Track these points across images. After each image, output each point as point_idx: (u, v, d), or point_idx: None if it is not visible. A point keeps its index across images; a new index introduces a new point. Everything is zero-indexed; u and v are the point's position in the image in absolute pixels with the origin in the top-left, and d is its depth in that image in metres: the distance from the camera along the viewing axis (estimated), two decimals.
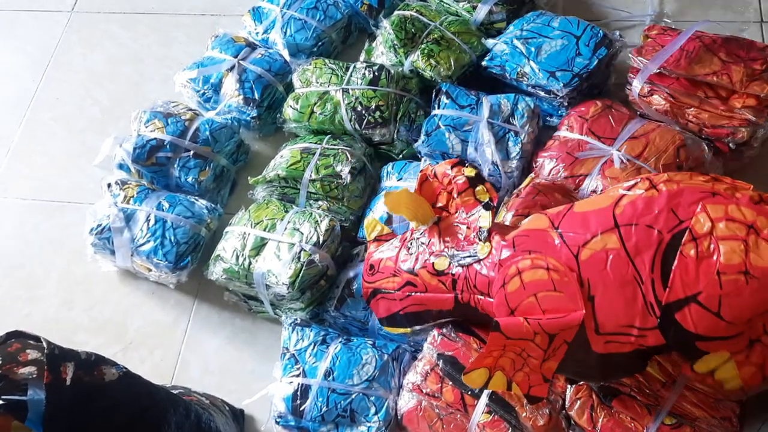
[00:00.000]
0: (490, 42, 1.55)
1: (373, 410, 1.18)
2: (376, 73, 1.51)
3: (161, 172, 1.53)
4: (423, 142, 1.45)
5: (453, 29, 1.58)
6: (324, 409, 1.18)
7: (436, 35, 1.56)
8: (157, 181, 1.55)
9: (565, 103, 1.45)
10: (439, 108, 1.47)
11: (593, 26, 1.48)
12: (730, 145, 1.34)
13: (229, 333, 1.43)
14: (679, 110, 1.37)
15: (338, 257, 1.37)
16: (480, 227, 1.10)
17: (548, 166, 1.37)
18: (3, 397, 0.78)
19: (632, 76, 1.42)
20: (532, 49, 1.47)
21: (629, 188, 0.98)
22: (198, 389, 1.28)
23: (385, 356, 1.22)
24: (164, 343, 1.44)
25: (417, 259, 1.16)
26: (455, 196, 1.17)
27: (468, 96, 1.47)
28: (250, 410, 1.32)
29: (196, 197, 1.51)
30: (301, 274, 1.27)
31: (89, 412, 0.86)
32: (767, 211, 0.91)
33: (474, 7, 1.63)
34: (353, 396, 1.18)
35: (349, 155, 1.44)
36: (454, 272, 1.11)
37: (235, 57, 1.63)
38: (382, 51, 1.62)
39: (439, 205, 1.19)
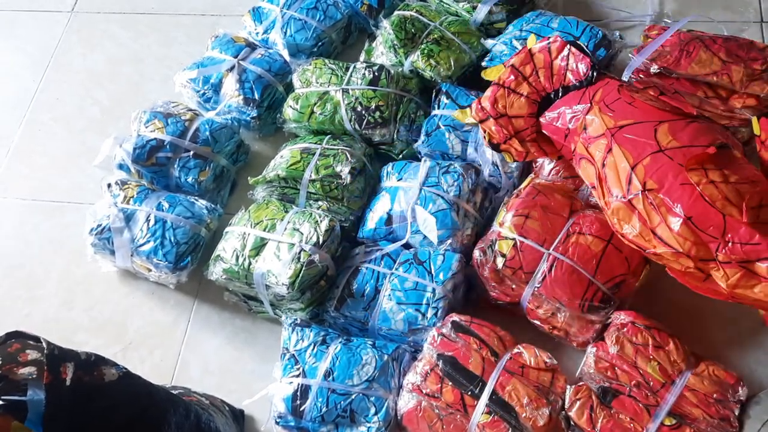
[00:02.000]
0: (489, 42, 1.55)
1: (373, 410, 1.17)
2: (376, 74, 1.51)
3: (161, 173, 1.53)
4: (423, 142, 1.45)
5: (453, 29, 1.58)
6: (324, 409, 1.18)
7: (436, 35, 1.56)
8: (157, 182, 1.55)
9: None
10: (439, 108, 1.47)
11: (592, 27, 1.48)
12: None
13: (229, 333, 1.43)
14: None
15: (338, 257, 1.37)
16: None
17: (548, 166, 1.37)
18: (3, 397, 0.78)
19: (633, 76, 1.42)
20: None
21: None
22: (198, 389, 1.28)
23: (385, 356, 1.21)
24: (164, 344, 1.44)
25: None
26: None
27: (468, 96, 1.47)
28: (250, 410, 1.32)
29: (196, 197, 1.51)
30: (301, 275, 1.27)
31: (89, 413, 0.86)
32: None
33: (474, 7, 1.63)
34: (353, 396, 1.18)
35: (349, 155, 1.44)
36: None
37: (235, 57, 1.63)
38: (382, 51, 1.62)
39: None
